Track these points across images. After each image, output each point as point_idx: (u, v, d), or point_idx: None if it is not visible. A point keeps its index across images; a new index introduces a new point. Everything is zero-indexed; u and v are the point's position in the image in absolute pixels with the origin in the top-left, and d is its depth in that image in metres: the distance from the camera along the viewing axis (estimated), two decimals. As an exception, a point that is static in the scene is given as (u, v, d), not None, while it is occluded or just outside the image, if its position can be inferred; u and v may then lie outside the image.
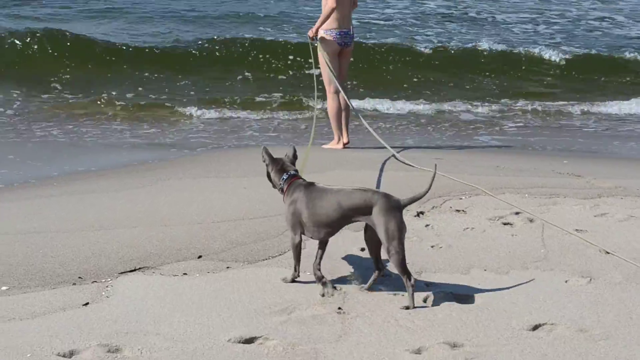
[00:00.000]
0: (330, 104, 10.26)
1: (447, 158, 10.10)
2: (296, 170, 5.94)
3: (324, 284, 5.72)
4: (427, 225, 7.22)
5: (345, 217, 5.62)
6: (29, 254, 6.41)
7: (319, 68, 10.24)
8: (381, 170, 8.98)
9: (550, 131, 13.38)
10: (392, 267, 5.66)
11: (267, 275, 6.03)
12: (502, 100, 15.03)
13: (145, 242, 6.70)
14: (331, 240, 5.85)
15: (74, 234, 6.90)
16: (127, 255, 6.39)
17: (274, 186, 5.95)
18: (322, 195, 5.62)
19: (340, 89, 10.10)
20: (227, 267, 6.18)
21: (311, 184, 5.80)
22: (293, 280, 5.89)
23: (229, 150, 11.54)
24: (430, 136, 12.67)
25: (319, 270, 5.78)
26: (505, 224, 7.37)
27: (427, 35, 19.82)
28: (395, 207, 5.54)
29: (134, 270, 6.09)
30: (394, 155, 9.60)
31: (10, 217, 7.50)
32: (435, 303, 5.64)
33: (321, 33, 10.04)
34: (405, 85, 16.29)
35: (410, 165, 9.23)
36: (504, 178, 8.86)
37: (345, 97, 10.22)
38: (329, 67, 10.07)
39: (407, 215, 7.32)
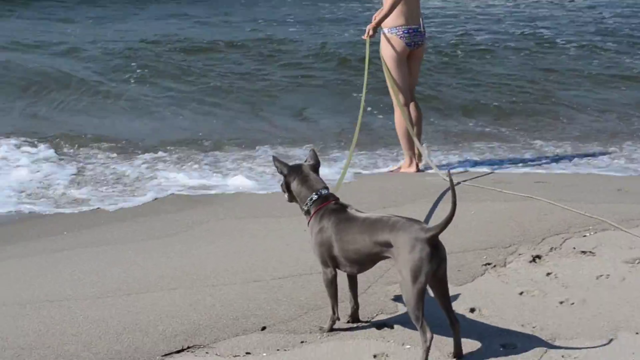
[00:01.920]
0: (398, 120, 9.61)
1: (550, 181, 9.37)
2: (327, 188, 5.54)
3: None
4: (548, 274, 6.59)
5: (374, 253, 5.24)
6: (43, 332, 5.83)
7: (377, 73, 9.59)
8: (439, 199, 8.30)
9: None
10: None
11: (355, 351, 5.43)
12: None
13: (191, 310, 6.10)
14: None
15: (97, 301, 6.30)
16: (169, 330, 5.81)
17: (292, 200, 5.72)
18: (350, 226, 5.30)
19: (410, 100, 9.51)
20: (302, 342, 5.58)
21: (343, 209, 5.41)
22: (332, 328, 5.61)
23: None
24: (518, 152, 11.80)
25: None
26: (648, 267, 6.71)
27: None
28: (419, 240, 4.96)
29: (182, 350, 5.52)
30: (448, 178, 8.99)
31: (14, 280, 6.87)
32: (585, 385, 5.01)
33: (385, 32, 9.37)
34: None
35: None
36: (633, 206, 8.18)
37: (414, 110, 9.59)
38: (392, 76, 9.42)
39: (521, 260, 6.75)
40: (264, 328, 5.79)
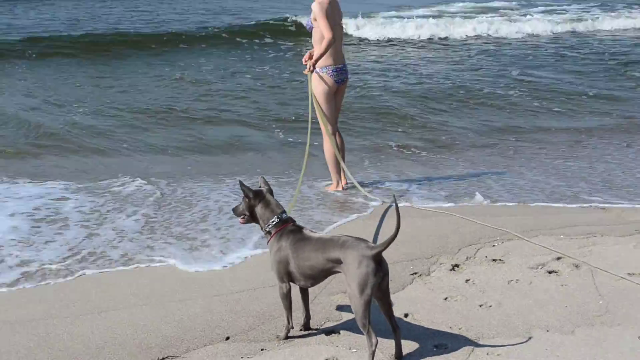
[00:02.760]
0: (327, 147, 9.43)
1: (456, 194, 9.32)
2: (285, 212, 5.43)
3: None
4: (467, 281, 6.52)
5: (326, 269, 5.14)
6: (32, 348, 5.57)
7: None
8: (381, 218, 8.16)
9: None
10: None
11: (308, 356, 5.30)
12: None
13: (162, 324, 5.87)
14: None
15: (79, 318, 6.04)
16: (144, 343, 5.59)
17: (247, 221, 5.56)
18: (305, 245, 5.18)
19: (334, 129, 9.35)
20: (262, 349, 5.42)
21: (299, 230, 5.30)
22: (287, 336, 5.46)
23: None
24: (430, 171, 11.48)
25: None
26: (550, 272, 6.70)
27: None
28: (365, 257, 4.88)
29: (158, 361, 5.30)
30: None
31: (4, 303, 6.55)
32: (510, 379, 4.92)
33: (317, 72, 9.18)
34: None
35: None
36: (532, 218, 8.17)
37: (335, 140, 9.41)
38: (322, 110, 9.24)
39: (442, 269, 6.68)
40: (227, 338, 5.62)
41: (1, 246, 7.62)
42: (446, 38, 23.76)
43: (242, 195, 5.50)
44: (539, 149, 11.94)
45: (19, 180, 10.00)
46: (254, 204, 5.45)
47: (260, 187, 5.57)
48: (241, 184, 5.48)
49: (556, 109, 14.83)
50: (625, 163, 10.93)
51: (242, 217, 5.58)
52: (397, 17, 26.50)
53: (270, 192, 5.52)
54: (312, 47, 9.22)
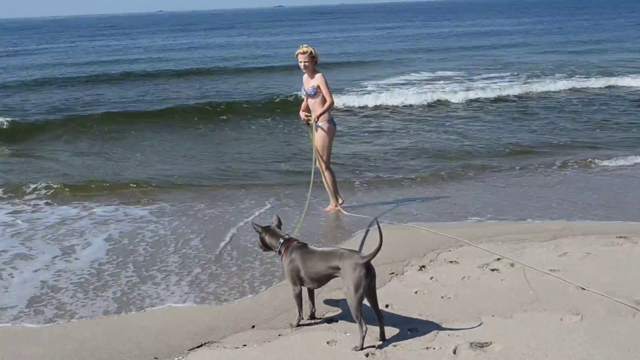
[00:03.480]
0: (328, 177, 9.10)
1: (422, 214, 9.01)
2: (288, 234, 5.27)
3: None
4: (431, 278, 6.28)
5: (328, 274, 4.95)
6: (109, 335, 5.33)
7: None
8: (365, 235, 7.81)
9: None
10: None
11: (314, 339, 5.07)
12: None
13: (204, 316, 5.64)
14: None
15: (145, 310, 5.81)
16: (191, 330, 5.34)
17: (265, 249, 5.38)
18: (311, 256, 4.99)
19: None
20: (279, 335, 5.17)
21: (304, 245, 5.12)
22: (298, 324, 5.25)
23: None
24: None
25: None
26: (492, 270, 6.46)
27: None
28: (358, 265, 4.72)
29: (201, 345, 5.05)
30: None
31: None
32: (465, 354, 4.69)
33: (321, 125, 8.78)
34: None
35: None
36: (476, 228, 7.95)
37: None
38: (323, 153, 8.93)
39: (413, 269, 6.46)
40: (253, 326, 5.38)
41: None
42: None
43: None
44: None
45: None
46: (264, 236, 5.30)
47: (272, 223, 5.41)
48: (253, 223, 5.42)
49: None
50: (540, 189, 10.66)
51: (260, 247, 5.42)
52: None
53: (278, 226, 5.37)
54: (304, 109, 8.91)
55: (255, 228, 5.33)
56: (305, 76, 8.73)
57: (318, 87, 8.59)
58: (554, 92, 21.00)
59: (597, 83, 22.03)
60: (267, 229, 5.32)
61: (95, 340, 5.28)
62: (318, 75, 8.60)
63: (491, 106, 18.94)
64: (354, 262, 4.73)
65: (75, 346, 5.14)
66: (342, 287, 5.01)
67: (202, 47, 44.36)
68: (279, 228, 5.35)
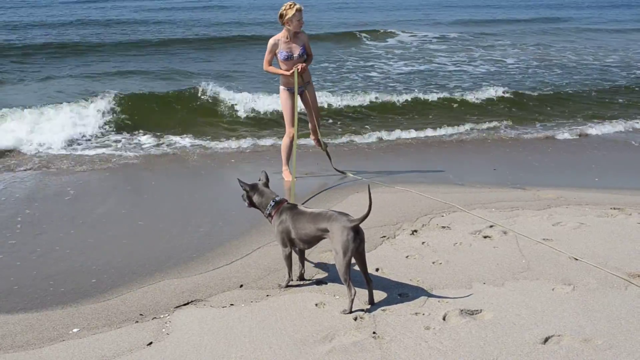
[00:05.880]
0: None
1: (415, 180, 8.85)
2: (278, 196, 5.07)
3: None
4: (423, 243, 6.16)
5: (317, 236, 4.81)
6: (95, 294, 5.20)
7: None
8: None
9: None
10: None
11: (303, 301, 4.95)
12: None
13: (193, 275, 5.52)
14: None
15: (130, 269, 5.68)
16: (179, 288, 5.23)
17: (250, 206, 5.17)
18: (301, 217, 4.83)
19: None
20: (267, 295, 5.06)
21: (294, 206, 4.96)
22: (287, 285, 5.13)
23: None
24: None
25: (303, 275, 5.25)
26: (485, 237, 6.34)
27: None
28: (346, 228, 4.58)
29: (187, 303, 4.94)
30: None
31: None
32: (454, 321, 4.59)
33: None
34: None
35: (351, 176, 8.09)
36: (472, 194, 7.82)
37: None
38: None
39: (404, 234, 6.34)
40: (241, 285, 5.27)
41: None
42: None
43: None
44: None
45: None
46: (251, 195, 5.11)
47: (259, 179, 5.21)
48: (239, 180, 5.15)
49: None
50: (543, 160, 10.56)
51: (246, 203, 5.21)
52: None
53: (266, 184, 5.17)
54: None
55: (241, 186, 5.12)
56: (283, 38, 8.07)
57: (308, 46, 8.27)
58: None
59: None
60: (254, 188, 5.12)
61: (81, 292, 5.16)
62: (304, 35, 8.23)
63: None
64: (342, 225, 4.60)
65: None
66: (331, 250, 4.87)
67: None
68: (267, 186, 5.16)
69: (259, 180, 5.21)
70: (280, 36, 8.12)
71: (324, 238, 4.84)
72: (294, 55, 8.11)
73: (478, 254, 5.87)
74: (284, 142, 8.52)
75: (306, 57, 8.30)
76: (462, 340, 4.32)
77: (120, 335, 4.44)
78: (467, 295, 4.98)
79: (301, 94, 8.42)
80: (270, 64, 8.28)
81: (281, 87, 8.37)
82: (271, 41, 8.14)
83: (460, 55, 21.20)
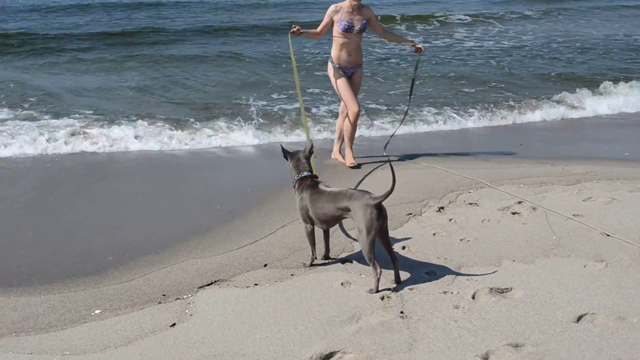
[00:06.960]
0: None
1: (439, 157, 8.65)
2: (308, 170, 4.95)
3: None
4: (450, 220, 6.01)
5: (337, 215, 4.69)
6: (117, 275, 5.14)
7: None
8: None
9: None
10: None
11: (328, 280, 4.83)
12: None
13: (217, 254, 5.43)
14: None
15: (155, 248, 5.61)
16: (202, 269, 5.14)
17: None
18: (320, 197, 4.72)
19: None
20: (292, 275, 4.96)
21: (315, 185, 4.82)
22: (312, 264, 5.02)
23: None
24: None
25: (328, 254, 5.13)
26: (514, 213, 6.18)
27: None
28: (369, 206, 4.43)
29: (211, 283, 4.85)
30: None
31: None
32: (484, 300, 4.45)
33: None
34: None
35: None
36: (500, 170, 7.63)
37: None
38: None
39: (431, 211, 6.20)
40: (265, 265, 5.16)
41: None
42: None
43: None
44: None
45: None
46: (289, 162, 5.04)
47: (304, 149, 5.12)
48: (281, 147, 5.13)
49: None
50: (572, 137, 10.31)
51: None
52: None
53: (306, 156, 5.06)
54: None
55: (283, 152, 5.06)
56: (346, 7, 7.47)
57: (370, 18, 7.62)
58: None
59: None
60: (292, 155, 5.03)
61: (105, 275, 5.10)
62: (370, 10, 7.63)
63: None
64: (365, 203, 4.46)
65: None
66: (354, 229, 4.74)
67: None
68: (307, 159, 5.03)
69: (304, 149, 5.09)
70: (344, 4, 7.51)
71: (345, 217, 4.72)
72: (355, 28, 7.50)
73: (507, 231, 5.71)
74: (347, 124, 7.82)
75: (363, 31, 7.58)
76: (493, 319, 4.19)
77: (143, 316, 4.36)
78: (496, 273, 4.84)
79: (350, 76, 7.78)
80: (322, 30, 7.55)
81: (330, 64, 7.72)
82: (332, 7, 7.51)
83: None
